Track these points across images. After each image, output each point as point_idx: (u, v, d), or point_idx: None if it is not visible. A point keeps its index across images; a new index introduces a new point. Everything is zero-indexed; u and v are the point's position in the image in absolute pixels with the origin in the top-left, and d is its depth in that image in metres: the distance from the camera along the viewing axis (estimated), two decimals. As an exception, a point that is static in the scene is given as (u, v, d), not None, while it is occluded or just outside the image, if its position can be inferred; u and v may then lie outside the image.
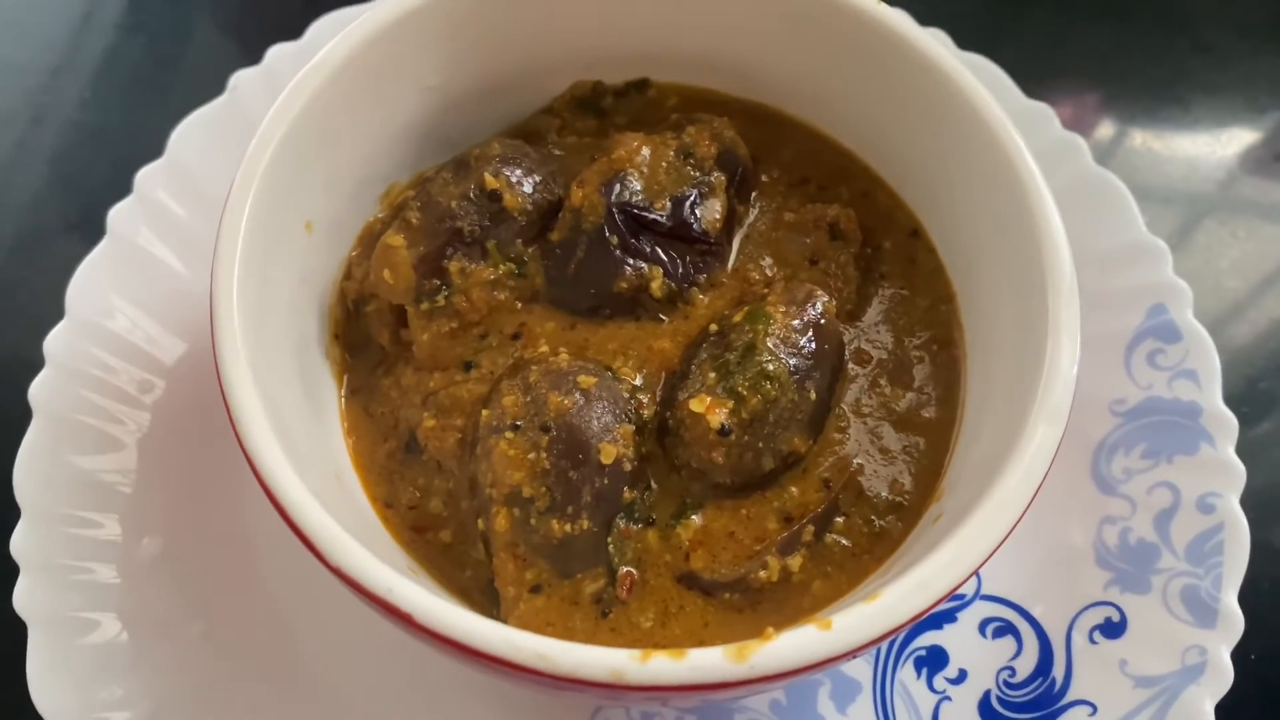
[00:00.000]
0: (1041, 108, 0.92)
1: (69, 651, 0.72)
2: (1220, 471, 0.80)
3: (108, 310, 0.84)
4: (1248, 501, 0.79)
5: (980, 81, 0.89)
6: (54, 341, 0.81)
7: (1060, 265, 0.63)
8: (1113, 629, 0.78)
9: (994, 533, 0.55)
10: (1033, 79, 0.93)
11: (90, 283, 0.84)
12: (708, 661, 0.52)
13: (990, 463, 0.60)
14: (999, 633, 0.80)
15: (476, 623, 0.53)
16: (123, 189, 0.88)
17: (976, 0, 1.16)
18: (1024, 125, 0.91)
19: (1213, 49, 1.11)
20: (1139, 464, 0.83)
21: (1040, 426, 0.58)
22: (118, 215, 0.86)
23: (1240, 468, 0.80)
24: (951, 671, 0.78)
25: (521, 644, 0.52)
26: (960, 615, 0.80)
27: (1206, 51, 1.11)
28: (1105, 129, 1.09)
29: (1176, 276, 0.86)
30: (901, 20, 0.70)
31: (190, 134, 0.90)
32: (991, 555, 0.55)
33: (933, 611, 0.56)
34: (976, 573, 0.56)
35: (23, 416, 0.79)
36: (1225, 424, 0.81)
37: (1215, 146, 1.06)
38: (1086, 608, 0.79)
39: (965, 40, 0.94)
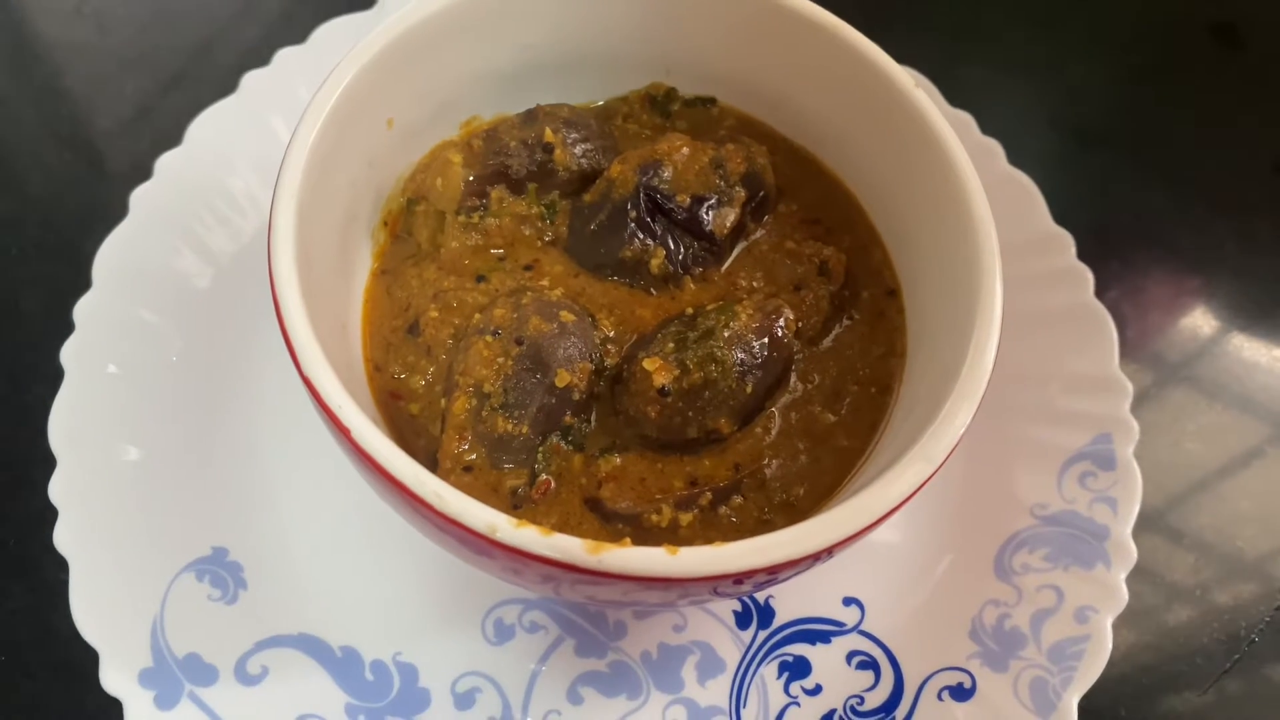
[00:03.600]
0: (1061, 233, 1.01)
1: (94, 395, 0.86)
2: (1106, 591, 0.87)
3: (221, 153, 0.98)
4: (1128, 640, 0.86)
5: (1010, 194, 1.00)
6: (166, 160, 0.95)
7: (981, 360, 0.69)
8: (961, 693, 0.85)
9: (837, 530, 0.63)
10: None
11: (211, 124, 0.99)
12: (567, 545, 0.61)
13: (866, 483, 0.68)
14: (863, 665, 0.87)
15: (399, 456, 0.63)
16: (263, 61, 1.03)
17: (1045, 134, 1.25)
18: (1040, 249, 1.00)
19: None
20: (1038, 563, 0.90)
21: (914, 464, 0.66)
22: (251, 79, 1.01)
23: (1125, 595, 0.86)
24: (809, 683, 0.87)
25: (426, 480, 0.63)
26: (835, 640, 0.88)
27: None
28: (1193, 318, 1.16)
29: (1130, 415, 0.93)
30: (927, 105, 0.79)
31: (338, 31, 1.05)
32: (827, 549, 0.63)
33: (774, 579, 0.65)
34: (816, 558, 0.64)
35: (119, 215, 0.94)
36: (1126, 553, 0.88)
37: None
38: (946, 669, 0.86)
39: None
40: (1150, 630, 0.95)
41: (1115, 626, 0.85)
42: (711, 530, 0.75)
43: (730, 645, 0.87)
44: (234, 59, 1.17)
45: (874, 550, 0.91)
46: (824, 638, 0.89)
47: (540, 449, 0.75)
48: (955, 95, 1.07)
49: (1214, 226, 1.20)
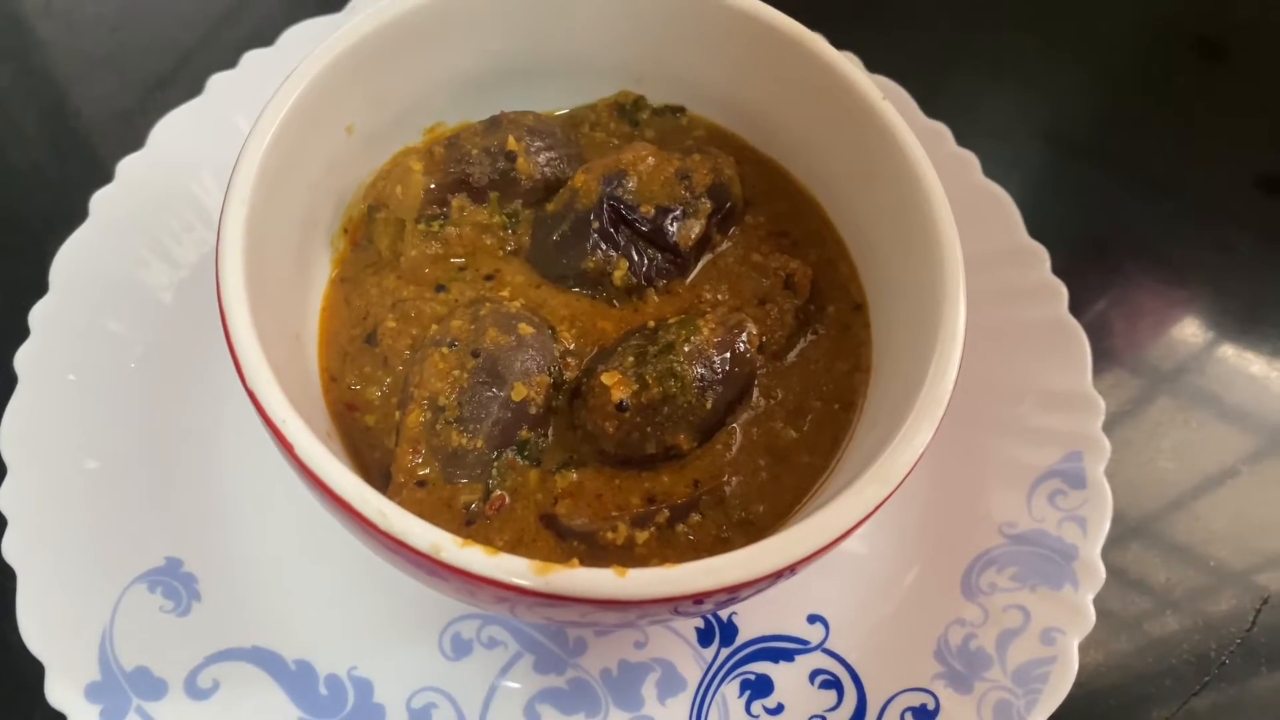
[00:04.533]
0: (1035, 246, 0.99)
1: (48, 402, 0.85)
2: (1073, 613, 0.85)
3: (184, 156, 0.97)
4: (1096, 660, 0.85)
5: (984, 206, 0.99)
6: (129, 163, 0.94)
7: (941, 381, 0.68)
8: (925, 715, 0.84)
9: (790, 552, 0.62)
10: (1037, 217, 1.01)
11: (175, 127, 0.97)
12: (512, 566, 0.60)
13: (824, 502, 0.67)
14: (826, 685, 0.86)
15: (342, 472, 0.62)
16: (231, 64, 1.01)
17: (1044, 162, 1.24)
18: (1014, 262, 0.99)
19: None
20: (1006, 583, 0.88)
21: (870, 486, 0.65)
22: (217, 82, 0.99)
23: (1092, 616, 0.85)
24: (771, 703, 0.85)
25: (370, 498, 0.61)
26: (798, 658, 0.87)
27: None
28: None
29: (1102, 433, 0.92)
30: (893, 116, 0.78)
31: (307, 34, 1.04)
32: (779, 572, 0.62)
33: (735, 597, 0.64)
34: (769, 580, 0.63)
35: (80, 217, 0.92)
36: (1094, 574, 0.87)
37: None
38: (910, 689, 0.85)
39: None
40: (1119, 651, 0.94)
41: (1083, 646, 0.84)
42: (668, 548, 0.73)
43: (691, 663, 0.86)
44: (205, 60, 1.15)
45: (840, 566, 0.89)
46: (787, 656, 0.87)
47: (495, 464, 0.74)
48: (939, 106, 1.05)
49: (1195, 240, 1.19)
